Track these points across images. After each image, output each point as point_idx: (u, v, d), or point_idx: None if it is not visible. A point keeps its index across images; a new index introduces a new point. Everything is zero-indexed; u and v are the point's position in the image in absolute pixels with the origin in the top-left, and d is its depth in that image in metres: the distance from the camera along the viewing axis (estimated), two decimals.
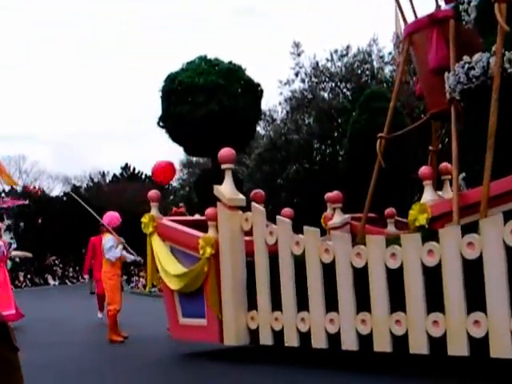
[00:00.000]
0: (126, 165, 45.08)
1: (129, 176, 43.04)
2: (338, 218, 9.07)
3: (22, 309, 12.49)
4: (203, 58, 7.83)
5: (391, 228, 9.15)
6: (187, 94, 7.67)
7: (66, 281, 34.03)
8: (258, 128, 30.88)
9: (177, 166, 34.14)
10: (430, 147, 8.93)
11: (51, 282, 32.91)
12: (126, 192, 34.17)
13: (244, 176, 29.13)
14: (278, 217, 7.09)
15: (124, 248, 10.08)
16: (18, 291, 31.29)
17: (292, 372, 6.56)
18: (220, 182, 7.87)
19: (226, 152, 7.38)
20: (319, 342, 6.57)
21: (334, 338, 6.45)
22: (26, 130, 66.79)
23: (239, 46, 60.22)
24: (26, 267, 31.25)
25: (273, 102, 28.50)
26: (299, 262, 6.75)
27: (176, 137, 8.06)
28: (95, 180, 43.40)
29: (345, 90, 28.81)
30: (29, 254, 17.78)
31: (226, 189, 7.31)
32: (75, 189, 36.59)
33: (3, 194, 28.15)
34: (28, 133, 67.46)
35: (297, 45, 28.25)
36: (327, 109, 28.36)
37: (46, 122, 72.39)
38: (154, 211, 8.17)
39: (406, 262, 5.94)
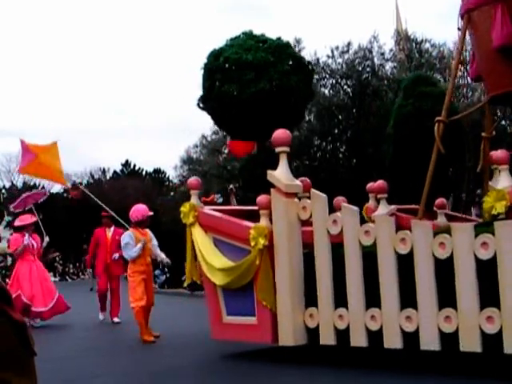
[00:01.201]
0: (127, 161, 44.17)
1: (129, 172, 42.10)
2: (383, 209, 8.31)
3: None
4: (249, 34, 7.05)
5: (442, 220, 8.41)
6: (234, 72, 6.87)
7: (67, 277, 33.03)
8: None
9: (177, 162, 33.40)
10: (484, 133, 8.20)
11: (51, 278, 31.86)
12: (126, 189, 33.23)
13: None
14: (343, 204, 6.31)
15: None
16: None
17: (353, 374, 5.81)
18: (266, 168, 7.11)
19: (280, 133, 6.59)
20: (393, 341, 5.80)
21: (411, 338, 5.69)
22: (26, 126, 65.56)
23: None
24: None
25: None
26: (367, 254, 5.99)
27: (219, 118, 7.24)
28: (95, 177, 42.46)
29: (345, 87, 28.11)
30: None
31: (281, 174, 6.51)
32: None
33: (3, 191, 27.17)
34: (28, 129, 66.28)
35: (298, 41, 27.53)
36: (328, 105, 27.67)
37: (46, 118, 71.25)
38: (194, 199, 7.34)
39: (500, 253, 5.20)
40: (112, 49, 76.22)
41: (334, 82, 28.11)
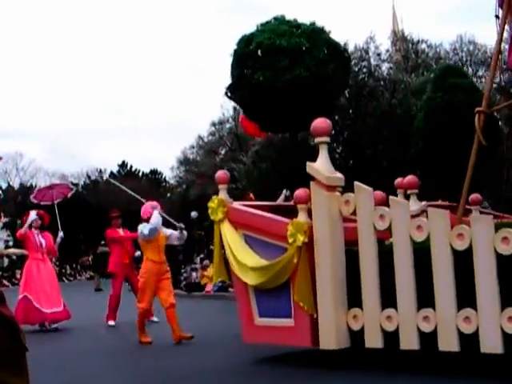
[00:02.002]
0: (123, 162, 43.49)
1: (126, 173, 41.40)
2: (413, 205, 7.82)
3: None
4: (280, 19, 6.56)
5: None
6: (267, 58, 6.35)
7: (63, 278, 32.24)
8: None
9: (174, 163, 32.82)
10: None
11: None
12: (123, 190, 32.48)
13: (241, 173, 27.85)
14: (392, 197, 5.81)
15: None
16: (15, 289, 29.75)
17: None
18: (301, 161, 6.61)
19: (321, 122, 6.08)
20: (449, 343, 5.30)
21: (469, 339, 5.20)
22: (22, 127, 64.61)
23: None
24: (23, 265, 29.42)
25: None
26: (419, 250, 5.50)
27: (250, 107, 6.71)
28: (92, 177, 41.73)
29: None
30: (26, 252, 16.03)
31: (322, 165, 6.00)
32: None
33: (0, 192, 26.52)
34: (25, 130, 65.35)
35: None
36: None
37: (42, 120, 70.35)
38: (222, 194, 6.81)
39: None
40: (110, 51, 75.54)
41: None
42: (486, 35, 17.89)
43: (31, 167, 44.97)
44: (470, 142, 7.23)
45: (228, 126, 28.65)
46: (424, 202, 7.97)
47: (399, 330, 5.55)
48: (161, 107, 70.88)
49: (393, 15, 34.44)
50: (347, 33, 58.91)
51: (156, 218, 8.37)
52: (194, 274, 25.03)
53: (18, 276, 28.39)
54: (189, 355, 7.39)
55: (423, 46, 26.31)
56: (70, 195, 13.74)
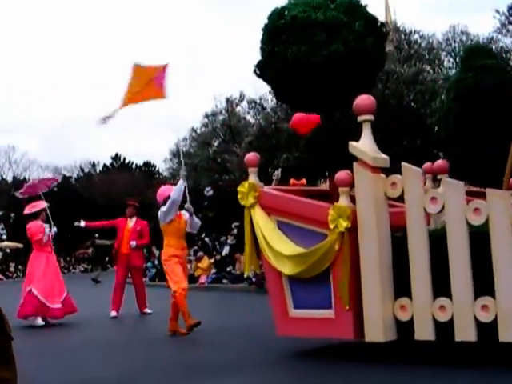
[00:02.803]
0: (117, 155, 42.65)
1: (119, 166, 40.64)
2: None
3: (14, 300, 10.50)
4: None
5: None
6: (303, 32, 5.84)
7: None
8: (248, 116, 29.14)
9: (167, 155, 32.12)
10: None
11: None
12: (116, 182, 31.88)
13: (234, 165, 27.35)
14: (444, 178, 5.34)
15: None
16: (9, 282, 29.15)
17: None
18: (335, 143, 6.13)
19: (364, 99, 5.59)
20: (509, 334, 4.86)
21: None
22: (15, 120, 63.44)
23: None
24: (16, 258, 28.76)
25: (263, 90, 26.81)
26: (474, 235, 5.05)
27: (282, 86, 6.20)
28: (85, 170, 40.94)
29: None
30: (19, 245, 15.33)
31: (366, 145, 5.52)
32: (65, 179, 34.15)
33: None
34: (17, 123, 64.19)
35: None
36: None
37: (35, 113, 69.20)
38: (253, 178, 6.30)
39: None
40: (100, 43, 74.46)
41: None
42: (479, 26, 17.54)
43: (24, 160, 44.52)
44: (502, 123, 6.82)
45: (221, 117, 28.17)
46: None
47: (454, 320, 5.09)
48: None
49: (385, 6, 34.06)
50: None
51: (175, 191, 7.74)
52: (188, 265, 24.61)
53: (12, 269, 27.78)
54: (202, 347, 7.17)
55: (416, 36, 25.93)
56: (52, 186, 13.14)
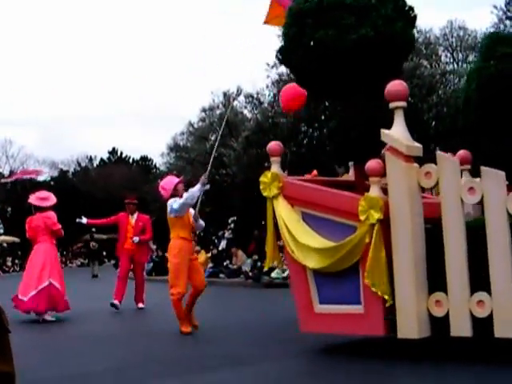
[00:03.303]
0: (114, 149, 42.09)
1: (116, 160, 40.13)
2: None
3: (9, 293, 10.15)
4: None
5: None
6: (330, 16, 5.52)
7: None
8: (245, 111, 28.77)
9: (164, 149, 31.70)
10: None
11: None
12: (113, 176, 31.43)
13: (231, 159, 27.00)
14: (484, 168, 5.04)
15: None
16: (6, 276, 28.71)
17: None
18: (360, 132, 5.84)
19: (397, 85, 5.28)
20: None
21: None
22: (12, 114, 62.68)
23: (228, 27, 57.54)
24: (13, 252, 28.26)
25: (260, 85, 26.47)
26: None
27: (305, 71, 5.87)
28: (82, 164, 40.41)
29: None
30: (16, 239, 14.96)
31: (399, 133, 5.21)
32: (62, 173, 33.60)
33: None
34: (14, 117, 63.44)
35: None
36: None
37: (32, 107, 68.43)
38: (275, 168, 5.98)
39: None
40: (99, 38, 73.67)
41: None
42: (476, 21, 17.28)
43: (21, 154, 43.94)
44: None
45: (218, 111, 27.82)
46: (478, 179, 7.23)
47: (493, 316, 4.81)
48: (150, 94, 69.43)
49: None
50: None
51: (184, 205, 7.39)
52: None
53: (9, 264, 27.27)
54: (200, 341, 6.98)
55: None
56: (39, 177, 12.83)
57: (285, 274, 15.69)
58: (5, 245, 26.61)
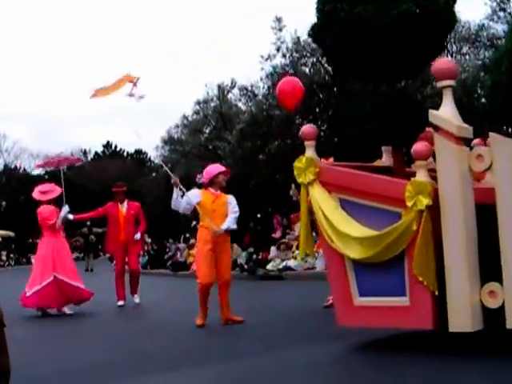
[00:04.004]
0: (108, 142, 41.44)
1: (110, 154, 39.51)
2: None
3: (7, 289, 9.81)
4: None
5: None
6: None
7: None
8: (240, 104, 28.29)
9: (159, 142, 31.16)
10: None
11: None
12: (107, 170, 30.89)
13: (225, 152, 26.57)
14: None
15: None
16: (1, 270, 28.30)
17: None
18: (399, 115, 5.44)
19: (445, 63, 4.89)
20: None
21: None
22: (5, 108, 61.55)
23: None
24: (7, 246, 27.68)
25: (254, 77, 26.03)
26: None
27: (340, 50, 5.45)
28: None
29: (326, 66, 26.50)
30: (11, 233, 14.45)
31: (449, 114, 4.81)
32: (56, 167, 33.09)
33: None
34: (8, 111, 62.32)
35: (278, 19, 25.83)
36: (309, 84, 26.03)
37: (26, 100, 67.42)
38: (310, 152, 5.56)
39: None
40: (91, 30, 72.62)
41: (314, 60, 26.50)
42: (470, 12, 16.99)
43: (15, 148, 42.81)
44: None
45: (213, 104, 27.35)
46: None
47: None
48: (144, 87, 68.47)
49: None
50: None
51: (184, 206, 7.40)
52: (179, 253, 23.87)
53: (4, 258, 26.71)
54: (195, 335, 6.85)
55: None
56: (77, 165, 12.26)
57: (280, 266, 15.38)
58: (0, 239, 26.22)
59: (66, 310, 9.52)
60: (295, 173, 5.50)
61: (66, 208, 9.88)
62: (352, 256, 5.16)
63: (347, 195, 5.28)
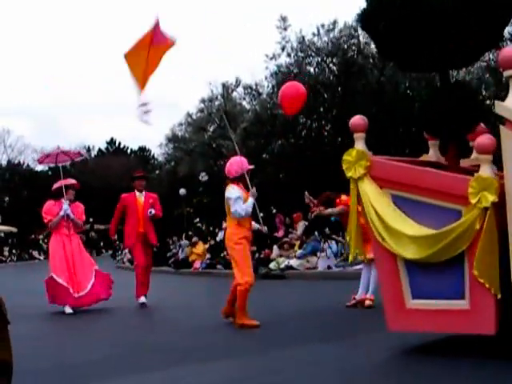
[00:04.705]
0: (112, 139, 41.03)
1: (114, 150, 39.09)
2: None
3: (9, 284, 9.51)
4: None
5: None
6: None
7: None
8: (244, 102, 27.95)
9: (163, 140, 30.71)
10: None
11: (37, 256, 29.13)
12: (111, 166, 30.48)
13: (229, 150, 26.20)
14: None
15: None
16: (3, 266, 27.93)
17: None
18: (450, 107, 5.06)
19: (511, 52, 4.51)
20: None
21: None
22: (9, 104, 60.96)
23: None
24: (10, 242, 27.25)
25: (259, 76, 25.70)
26: None
27: (392, 38, 5.07)
28: None
29: (331, 65, 26.23)
30: (13, 229, 14.11)
31: None
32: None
33: None
34: (12, 107, 61.71)
35: (283, 19, 25.55)
36: (313, 84, 25.72)
37: (30, 97, 66.81)
38: (361, 145, 5.16)
39: None
40: (96, 26, 71.97)
41: (319, 60, 26.24)
42: None
43: (19, 144, 42.57)
44: None
45: (217, 102, 27.00)
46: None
47: None
48: (149, 84, 67.89)
49: None
50: (336, 11, 57.31)
51: (250, 208, 6.88)
52: (181, 250, 23.50)
53: (6, 253, 26.31)
54: (193, 332, 6.75)
55: None
56: (77, 159, 11.70)
57: (282, 266, 15.03)
58: (2, 234, 25.70)
59: (66, 309, 9.15)
60: (344, 167, 5.11)
61: (65, 207, 9.42)
62: (406, 256, 4.77)
63: (400, 191, 4.89)
